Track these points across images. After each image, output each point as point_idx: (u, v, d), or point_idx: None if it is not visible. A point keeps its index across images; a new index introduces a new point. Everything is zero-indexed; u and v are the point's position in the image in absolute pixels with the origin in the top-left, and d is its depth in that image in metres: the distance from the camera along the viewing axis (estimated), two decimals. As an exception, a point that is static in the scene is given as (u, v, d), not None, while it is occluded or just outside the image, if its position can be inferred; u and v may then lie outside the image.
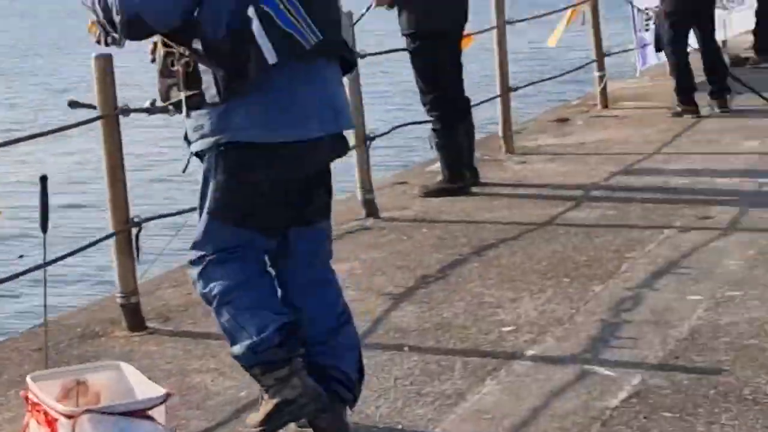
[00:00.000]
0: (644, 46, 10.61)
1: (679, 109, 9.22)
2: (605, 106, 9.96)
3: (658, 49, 9.79)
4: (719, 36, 13.01)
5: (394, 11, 6.87)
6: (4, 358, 4.69)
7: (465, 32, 7.34)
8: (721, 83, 9.33)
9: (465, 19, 7.04)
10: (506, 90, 8.26)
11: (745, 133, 8.24)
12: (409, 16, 6.81)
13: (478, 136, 7.64)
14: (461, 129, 7.00)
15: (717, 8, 12.82)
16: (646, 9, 10.31)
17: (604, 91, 9.99)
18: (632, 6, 10.32)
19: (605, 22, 10.39)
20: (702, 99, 9.25)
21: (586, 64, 10.04)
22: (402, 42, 7.00)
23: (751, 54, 12.09)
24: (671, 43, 9.24)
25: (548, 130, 9.19)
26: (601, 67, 9.92)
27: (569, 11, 9.72)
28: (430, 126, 7.02)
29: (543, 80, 9.69)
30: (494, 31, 8.18)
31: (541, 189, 7.11)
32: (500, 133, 8.32)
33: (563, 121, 9.54)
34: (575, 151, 8.22)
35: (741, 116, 8.96)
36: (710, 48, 9.41)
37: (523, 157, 8.14)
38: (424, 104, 6.99)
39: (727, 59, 11.79)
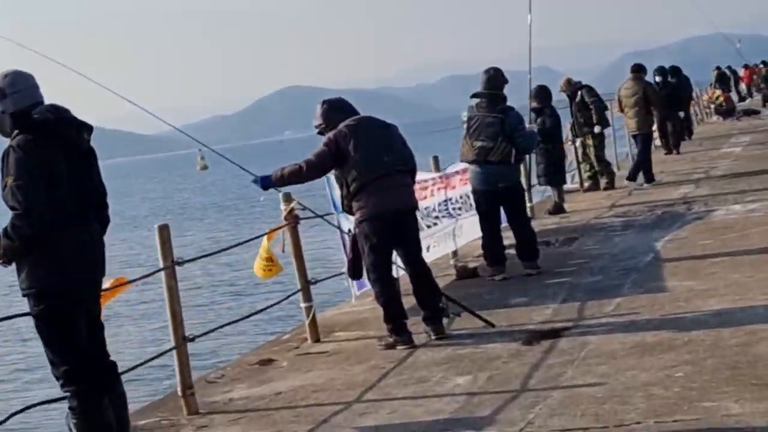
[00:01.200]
0: (359, 267, 9.72)
1: (390, 340, 8.24)
2: (316, 339, 8.93)
3: (353, 276, 8.78)
4: (449, 246, 12.39)
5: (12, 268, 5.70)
6: None
7: (120, 278, 6.26)
8: (435, 307, 8.40)
9: (102, 273, 5.90)
10: (182, 340, 7.12)
11: (458, 367, 7.28)
12: (30, 273, 5.62)
13: (160, 394, 6.45)
14: (106, 404, 5.76)
15: (443, 217, 12.25)
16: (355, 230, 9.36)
17: (314, 323, 8.98)
18: (339, 230, 9.45)
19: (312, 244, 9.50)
20: (418, 324, 8.35)
21: (290, 295, 9.04)
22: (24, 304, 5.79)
23: (480, 262, 11.42)
24: (374, 268, 8.24)
25: (246, 377, 8.03)
26: (307, 298, 8.92)
27: (265, 237, 8.75)
28: (66, 405, 5.77)
29: (226, 324, 8.55)
30: (162, 274, 7.09)
31: (212, 466, 5.91)
32: (179, 392, 7.12)
33: (267, 362, 8.42)
34: (268, 405, 7.07)
35: (457, 343, 8.02)
36: (418, 269, 8.40)
37: (207, 418, 6.96)
38: (57, 378, 5.74)
39: (452, 272, 11.14)
